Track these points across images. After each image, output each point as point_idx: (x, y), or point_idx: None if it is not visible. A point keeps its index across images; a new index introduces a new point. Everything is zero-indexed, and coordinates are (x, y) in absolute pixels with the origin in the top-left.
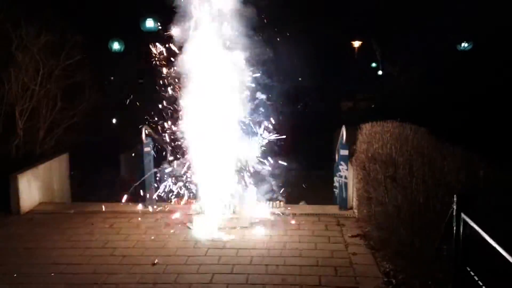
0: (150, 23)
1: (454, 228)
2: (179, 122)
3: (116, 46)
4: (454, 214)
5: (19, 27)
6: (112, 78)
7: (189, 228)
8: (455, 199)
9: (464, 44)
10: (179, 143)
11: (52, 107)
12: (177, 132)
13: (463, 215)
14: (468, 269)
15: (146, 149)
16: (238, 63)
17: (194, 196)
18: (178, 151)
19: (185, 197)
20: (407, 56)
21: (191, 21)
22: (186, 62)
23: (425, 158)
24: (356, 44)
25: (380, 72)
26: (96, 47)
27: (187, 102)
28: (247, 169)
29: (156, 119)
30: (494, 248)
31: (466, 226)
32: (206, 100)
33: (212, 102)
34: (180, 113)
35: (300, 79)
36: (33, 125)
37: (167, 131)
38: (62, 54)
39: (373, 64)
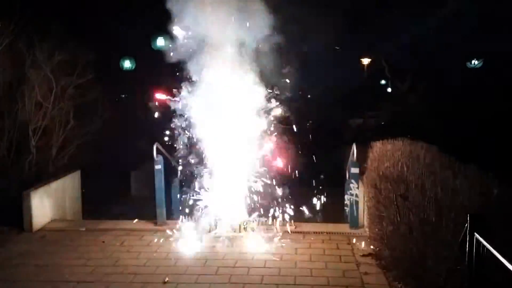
0: (161, 42)
1: (467, 248)
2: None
3: (127, 64)
4: (467, 233)
5: (32, 46)
6: (123, 96)
7: (200, 246)
8: (468, 218)
9: (474, 62)
10: (191, 160)
11: (65, 125)
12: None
13: (476, 235)
14: None
15: (157, 166)
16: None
17: (205, 215)
18: (190, 168)
19: (197, 216)
20: (417, 74)
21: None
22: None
23: (437, 177)
24: (366, 61)
25: (389, 90)
26: (107, 65)
27: (200, 117)
28: (257, 188)
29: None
30: (508, 268)
31: (480, 246)
32: (219, 118)
33: (225, 120)
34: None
35: (309, 96)
36: (46, 142)
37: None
38: (75, 73)
39: (382, 81)
